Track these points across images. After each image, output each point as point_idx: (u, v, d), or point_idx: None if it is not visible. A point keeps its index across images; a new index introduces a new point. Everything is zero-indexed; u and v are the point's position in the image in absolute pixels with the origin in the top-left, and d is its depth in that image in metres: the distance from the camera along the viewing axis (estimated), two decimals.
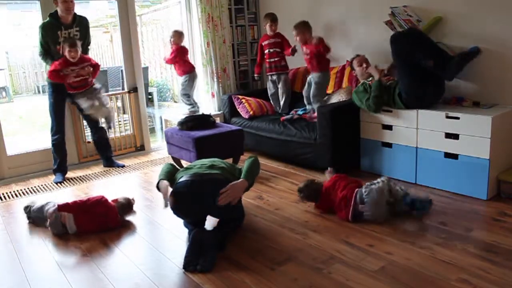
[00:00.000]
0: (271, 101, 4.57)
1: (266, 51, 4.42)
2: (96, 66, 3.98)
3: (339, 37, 4.32)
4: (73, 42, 3.72)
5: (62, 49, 3.74)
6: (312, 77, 4.02)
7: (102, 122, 4.19)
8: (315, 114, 3.94)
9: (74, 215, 2.79)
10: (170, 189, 2.54)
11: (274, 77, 4.46)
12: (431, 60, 3.15)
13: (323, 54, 3.89)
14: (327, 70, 4.02)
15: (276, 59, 4.37)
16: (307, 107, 4.15)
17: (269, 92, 4.54)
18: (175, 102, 7.26)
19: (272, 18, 4.35)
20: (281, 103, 4.46)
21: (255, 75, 4.71)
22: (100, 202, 2.87)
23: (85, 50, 3.98)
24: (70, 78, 3.76)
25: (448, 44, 3.33)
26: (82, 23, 3.91)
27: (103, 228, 2.80)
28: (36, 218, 2.97)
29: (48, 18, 3.76)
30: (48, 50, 3.80)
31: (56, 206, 2.81)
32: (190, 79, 4.69)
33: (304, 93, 4.15)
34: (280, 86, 4.44)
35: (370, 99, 3.39)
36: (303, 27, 3.99)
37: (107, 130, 4.26)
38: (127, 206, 2.97)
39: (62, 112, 3.99)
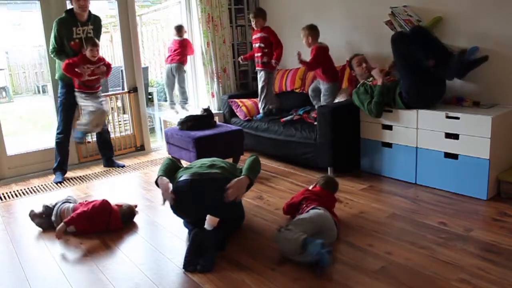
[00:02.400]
0: None
1: (254, 45, 4.41)
2: (109, 66, 4.01)
3: (340, 35, 4.32)
4: (94, 41, 3.79)
5: (79, 47, 3.77)
6: (322, 85, 4.00)
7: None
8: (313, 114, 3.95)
9: (76, 225, 2.78)
10: (170, 186, 2.52)
11: (258, 73, 4.41)
12: (433, 60, 3.15)
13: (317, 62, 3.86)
14: (336, 81, 3.98)
15: (258, 54, 4.32)
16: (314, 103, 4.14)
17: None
18: None
19: (255, 14, 4.28)
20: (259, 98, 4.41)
21: (241, 58, 4.69)
22: (103, 208, 2.84)
23: None
24: (85, 76, 3.78)
25: (448, 44, 3.33)
26: (96, 22, 3.94)
27: (104, 231, 2.80)
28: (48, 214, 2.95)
29: (64, 14, 3.78)
30: (61, 46, 3.80)
31: (63, 221, 2.77)
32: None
33: (309, 90, 4.14)
34: (259, 82, 4.39)
35: (372, 103, 3.38)
36: (306, 30, 3.93)
37: (107, 130, 4.27)
38: (129, 214, 2.95)
39: (73, 113, 4.02)
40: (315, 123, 3.75)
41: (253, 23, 4.33)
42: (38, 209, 2.96)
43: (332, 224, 2.46)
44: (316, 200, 2.63)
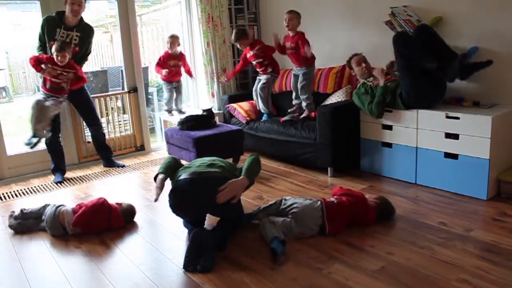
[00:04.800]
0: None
1: (252, 62, 4.30)
2: (80, 79, 3.86)
3: (339, 35, 4.32)
4: (62, 46, 3.63)
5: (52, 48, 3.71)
6: (300, 70, 3.97)
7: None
8: (304, 114, 3.95)
9: (81, 226, 2.76)
10: (162, 182, 2.58)
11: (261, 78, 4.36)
12: (435, 63, 3.14)
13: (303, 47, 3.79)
14: (312, 65, 3.96)
15: (262, 68, 4.24)
16: (294, 101, 4.12)
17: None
18: None
19: (238, 37, 4.15)
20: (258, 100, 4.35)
21: (226, 80, 4.76)
22: (101, 204, 2.83)
23: (80, 59, 3.92)
24: (47, 74, 3.69)
25: (448, 44, 3.33)
26: (84, 30, 3.87)
27: (107, 229, 2.80)
28: (28, 220, 2.91)
29: (54, 14, 3.77)
30: (44, 45, 3.79)
31: (71, 218, 2.77)
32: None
33: (292, 87, 4.12)
34: (259, 86, 4.31)
35: (373, 104, 3.38)
36: (294, 14, 3.84)
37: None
38: (129, 212, 2.95)
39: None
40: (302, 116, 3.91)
41: (239, 46, 4.28)
42: (11, 222, 2.93)
43: (311, 220, 2.56)
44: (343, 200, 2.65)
